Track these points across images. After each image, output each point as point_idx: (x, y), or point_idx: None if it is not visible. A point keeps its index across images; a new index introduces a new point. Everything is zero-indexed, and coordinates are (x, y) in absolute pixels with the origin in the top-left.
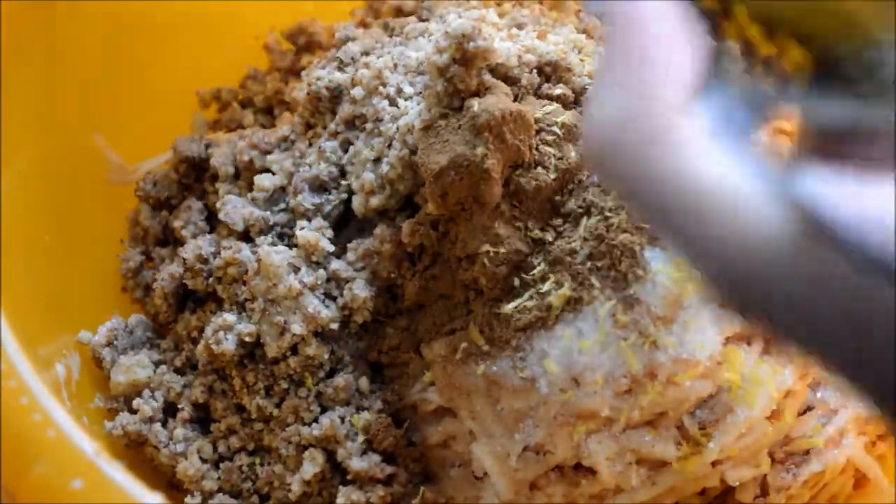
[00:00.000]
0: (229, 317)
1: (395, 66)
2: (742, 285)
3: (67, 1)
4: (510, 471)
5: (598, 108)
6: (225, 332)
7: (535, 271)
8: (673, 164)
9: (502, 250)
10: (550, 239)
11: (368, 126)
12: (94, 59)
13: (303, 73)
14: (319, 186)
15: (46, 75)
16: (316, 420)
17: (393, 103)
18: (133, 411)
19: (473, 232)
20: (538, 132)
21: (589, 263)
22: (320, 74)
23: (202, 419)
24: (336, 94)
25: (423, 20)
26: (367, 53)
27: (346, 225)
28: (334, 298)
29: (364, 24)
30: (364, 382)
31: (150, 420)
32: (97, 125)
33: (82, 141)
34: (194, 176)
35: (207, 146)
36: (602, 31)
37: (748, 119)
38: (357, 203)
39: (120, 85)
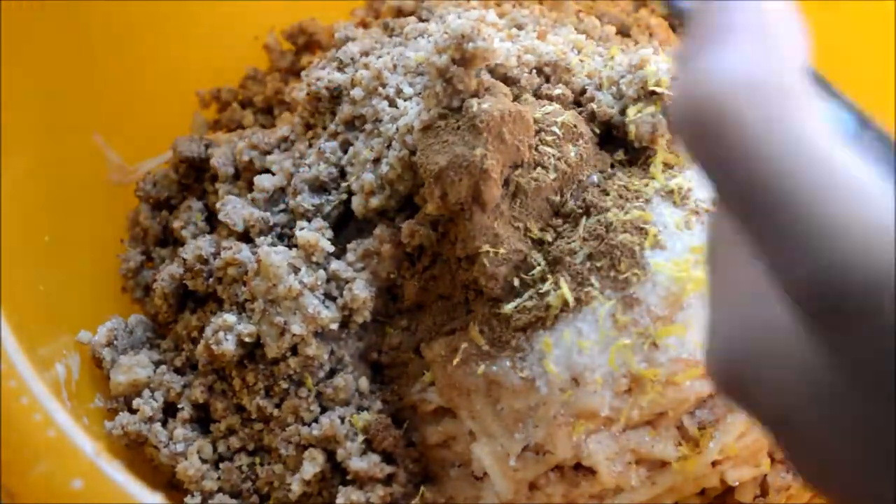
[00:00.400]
0: (229, 317)
1: (395, 66)
2: (854, 288)
3: (67, 1)
4: (510, 471)
5: (713, 62)
6: (225, 332)
7: (534, 271)
8: (806, 133)
9: (502, 250)
10: (550, 239)
11: (368, 127)
12: (94, 59)
13: (302, 74)
14: (319, 187)
15: (46, 75)
16: (316, 420)
17: (392, 104)
18: (133, 411)
19: (473, 232)
20: (538, 132)
21: (589, 263)
22: (320, 75)
23: (202, 419)
24: (336, 95)
25: (423, 20)
26: (366, 54)
27: (345, 225)
28: (334, 299)
29: (364, 24)
30: (364, 383)
31: (150, 420)
32: (97, 125)
33: (82, 141)
34: (194, 176)
35: (207, 146)
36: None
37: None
38: (357, 204)
39: (120, 85)
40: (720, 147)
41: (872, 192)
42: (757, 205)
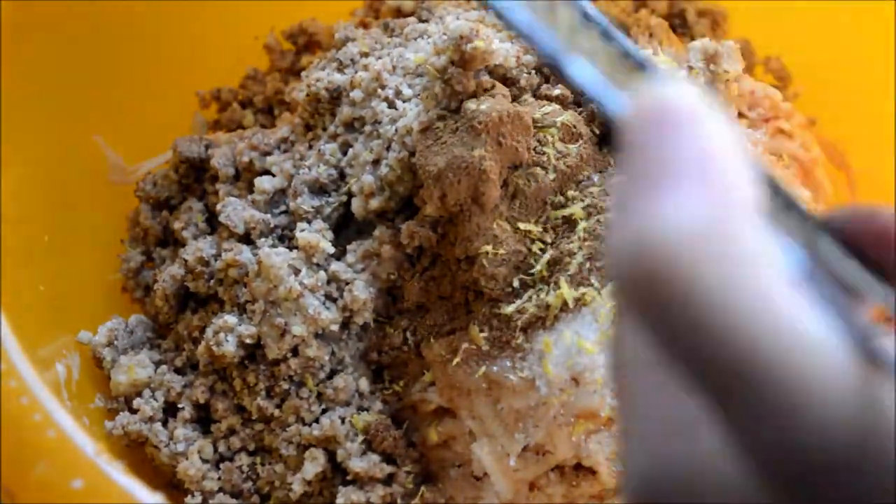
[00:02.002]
0: (230, 318)
1: (394, 68)
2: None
3: (67, 1)
4: (510, 471)
5: (653, 207)
6: (226, 333)
7: (534, 271)
8: (761, 292)
9: (501, 251)
10: (550, 240)
11: (367, 128)
12: (94, 59)
13: (302, 74)
14: (319, 189)
15: (46, 75)
16: (317, 420)
17: (392, 105)
18: (133, 411)
19: (472, 233)
20: (537, 132)
21: (588, 264)
22: (319, 76)
23: (203, 419)
24: (335, 96)
25: (423, 21)
26: (366, 55)
27: (346, 227)
28: (335, 300)
29: (364, 25)
30: (364, 383)
31: (151, 420)
32: (97, 125)
33: (82, 141)
34: (194, 176)
35: (207, 147)
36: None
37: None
38: (357, 205)
39: (120, 85)
40: (665, 308)
41: (831, 356)
42: (711, 372)
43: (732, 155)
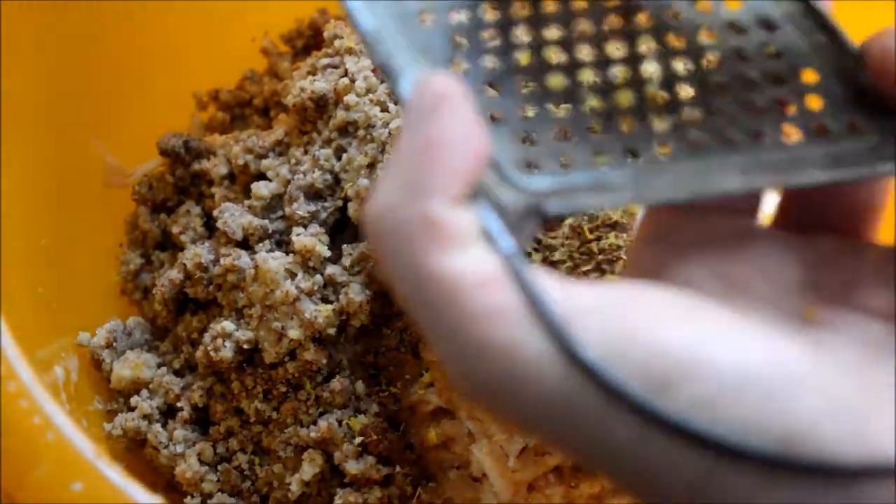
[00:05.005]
0: (227, 324)
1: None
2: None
3: (67, 2)
4: (509, 472)
5: (373, 193)
6: (223, 339)
7: None
8: (420, 261)
9: None
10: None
11: (360, 132)
12: (92, 61)
13: (294, 75)
14: (315, 194)
15: (44, 78)
16: (314, 423)
17: (384, 108)
18: (132, 409)
19: None
20: None
21: (570, 263)
22: (303, 85)
23: (202, 419)
24: (322, 105)
25: None
26: (357, 56)
27: (341, 231)
28: (331, 303)
29: None
30: (361, 385)
31: (149, 419)
32: (95, 128)
33: (80, 144)
34: (189, 179)
35: (204, 149)
36: None
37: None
38: (353, 210)
39: (118, 87)
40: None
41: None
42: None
43: (448, 146)
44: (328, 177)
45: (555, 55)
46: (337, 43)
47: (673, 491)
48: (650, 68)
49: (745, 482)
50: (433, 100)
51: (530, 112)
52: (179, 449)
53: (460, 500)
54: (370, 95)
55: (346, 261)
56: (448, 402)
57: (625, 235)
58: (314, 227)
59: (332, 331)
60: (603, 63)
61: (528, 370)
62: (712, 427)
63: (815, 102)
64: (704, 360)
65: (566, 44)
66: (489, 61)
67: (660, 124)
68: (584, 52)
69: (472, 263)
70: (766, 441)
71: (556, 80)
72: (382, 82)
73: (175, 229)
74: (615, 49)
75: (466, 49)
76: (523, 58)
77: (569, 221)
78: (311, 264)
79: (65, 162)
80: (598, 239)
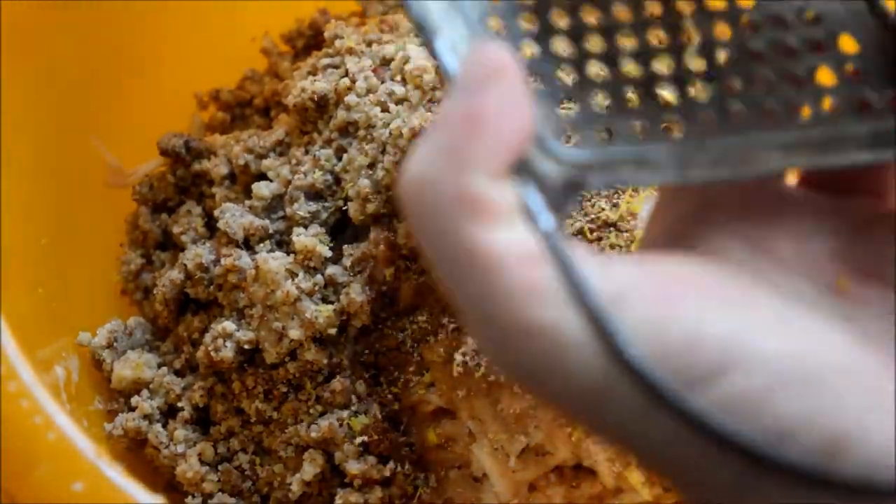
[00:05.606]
0: (228, 325)
1: (387, 69)
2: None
3: (67, 1)
4: (509, 472)
5: (409, 161)
6: (224, 339)
7: None
8: (461, 237)
9: None
10: None
11: (361, 133)
12: (93, 61)
13: (295, 75)
14: (315, 194)
15: (45, 77)
16: (315, 423)
17: (384, 108)
18: (132, 409)
19: None
20: None
21: None
22: (304, 85)
23: (203, 420)
24: (322, 105)
25: None
26: (358, 56)
27: (342, 231)
28: (331, 303)
29: (360, 24)
30: (361, 386)
31: (150, 418)
32: (95, 128)
33: (80, 144)
34: (191, 179)
35: (204, 149)
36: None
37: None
38: (353, 210)
39: (118, 87)
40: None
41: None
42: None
43: (496, 120)
44: (329, 177)
45: (593, 17)
46: (338, 43)
47: (715, 489)
48: (691, 31)
49: (783, 486)
50: (485, 70)
51: (569, 79)
52: (180, 449)
53: (461, 500)
54: (371, 96)
55: (347, 261)
56: (448, 402)
57: (625, 235)
58: (315, 228)
59: (332, 331)
60: (640, 26)
61: (568, 354)
62: (754, 425)
63: (855, 74)
64: (749, 351)
65: (603, 6)
66: (525, 21)
67: (699, 92)
68: (623, 14)
69: (515, 240)
70: (812, 443)
71: (595, 43)
72: (383, 82)
73: (176, 229)
74: (653, 12)
75: (502, 10)
76: (560, 20)
77: (576, 224)
78: (311, 264)
79: (65, 162)
80: (599, 239)
